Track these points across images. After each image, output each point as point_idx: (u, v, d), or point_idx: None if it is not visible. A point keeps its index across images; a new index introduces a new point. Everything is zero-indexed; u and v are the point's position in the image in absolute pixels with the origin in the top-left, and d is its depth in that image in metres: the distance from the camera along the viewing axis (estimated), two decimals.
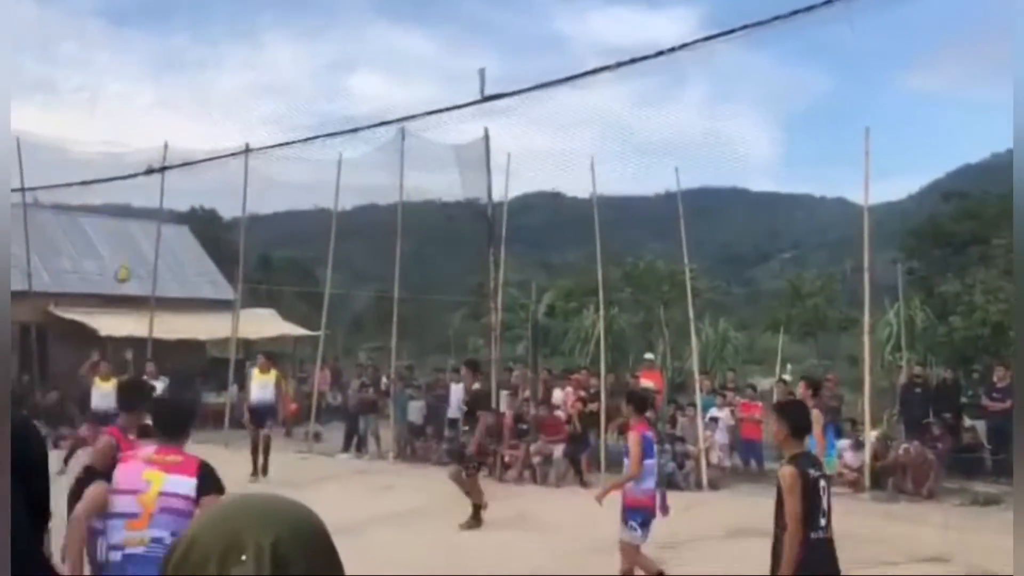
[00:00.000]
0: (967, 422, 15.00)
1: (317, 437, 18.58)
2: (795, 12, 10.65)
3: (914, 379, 16.22)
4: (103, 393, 13.39)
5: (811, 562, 5.10)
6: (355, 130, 11.47)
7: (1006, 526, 10.55)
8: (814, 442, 8.98)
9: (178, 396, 8.24)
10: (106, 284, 22.91)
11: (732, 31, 11.09)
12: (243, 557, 1.01)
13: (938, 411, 14.83)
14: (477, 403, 10.77)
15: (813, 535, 5.12)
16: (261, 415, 14.52)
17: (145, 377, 15.11)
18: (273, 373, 14.97)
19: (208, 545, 1.03)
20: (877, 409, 15.50)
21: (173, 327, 20.74)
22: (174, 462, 4.10)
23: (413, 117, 10.34)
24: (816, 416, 9.23)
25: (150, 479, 4.06)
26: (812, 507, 5.12)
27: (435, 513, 11.55)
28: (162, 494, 4.01)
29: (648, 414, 8.29)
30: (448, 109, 9.96)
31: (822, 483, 5.18)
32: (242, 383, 22.14)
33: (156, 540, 3.93)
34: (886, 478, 13.29)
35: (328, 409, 20.33)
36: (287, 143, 14.74)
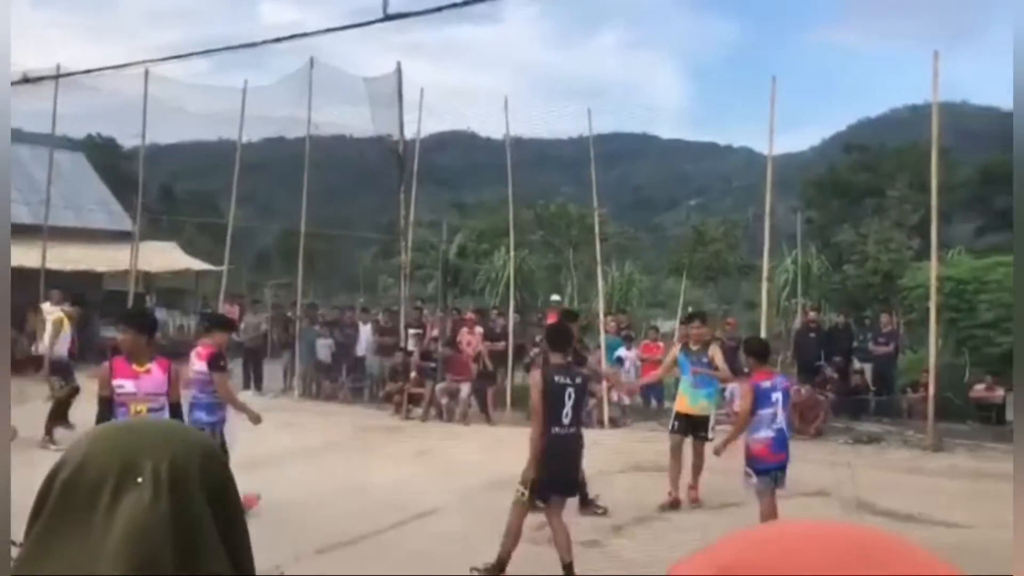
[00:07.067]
0: (856, 365, 15.72)
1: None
2: None
3: (808, 324, 16.82)
4: None
5: (553, 451, 6.22)
6: (259, 44, 10.85)
7: (885, 463, 11.23)
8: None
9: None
10: None
11: None
12: (139, 479, 1.00)
13: (830, 354, 15.46)
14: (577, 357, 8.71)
15: (557, 430, 6.23)
16: None
17: (48, 303, 14.47)
18: None
19: (102, 467, 1.01)
20: (772, 352, 16.11)
21: (67, 257, 19.92)
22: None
23: (318, 32, 9.94)
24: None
25: None
26: (556, 407, 6.24)
27: (338, 449, 11.60)
28: None
29: (765, 365, 7.68)
30: (352, 26, 9.62)
31: (569, 390, 6.28)
32: None
33: None
34: None
35: (233, 346, 19.92)
36: (187, 55, 13.92)
